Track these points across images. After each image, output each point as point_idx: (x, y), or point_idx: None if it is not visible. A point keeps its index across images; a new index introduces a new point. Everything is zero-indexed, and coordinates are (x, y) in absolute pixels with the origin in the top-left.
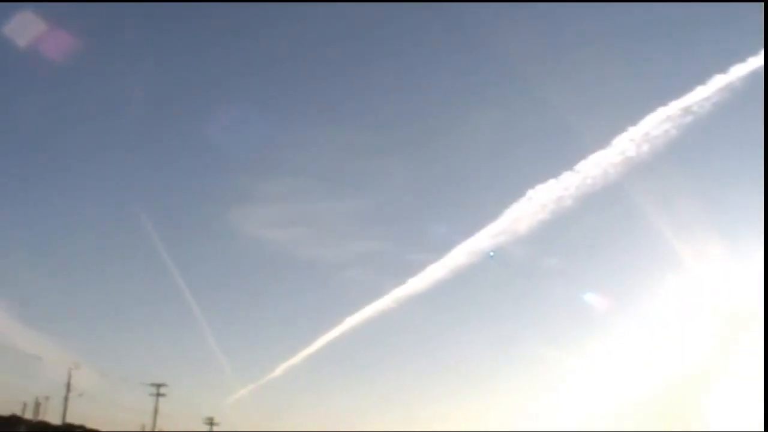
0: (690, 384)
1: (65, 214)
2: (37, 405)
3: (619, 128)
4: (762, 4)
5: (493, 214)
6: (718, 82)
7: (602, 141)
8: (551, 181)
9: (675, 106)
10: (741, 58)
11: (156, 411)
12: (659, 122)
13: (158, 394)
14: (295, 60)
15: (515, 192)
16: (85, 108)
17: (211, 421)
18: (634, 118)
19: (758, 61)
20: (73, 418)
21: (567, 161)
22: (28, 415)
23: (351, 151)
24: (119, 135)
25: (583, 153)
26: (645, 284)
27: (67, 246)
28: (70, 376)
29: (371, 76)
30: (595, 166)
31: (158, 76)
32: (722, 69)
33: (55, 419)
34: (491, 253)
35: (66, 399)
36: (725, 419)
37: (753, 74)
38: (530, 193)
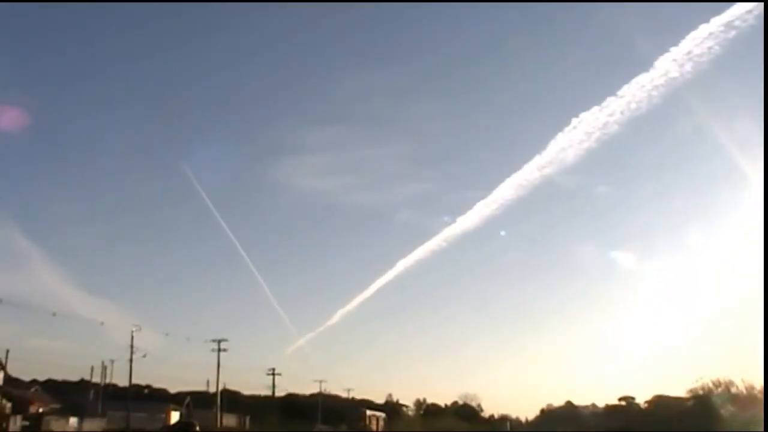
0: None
1: (118, 183)
2: (104, 369)
3: (661, 49)
4: (762, 4)
5: (539, 146)
6: None
7: (645, 63)
8: (595, 108)
9: (716, 23)
10: None
11: (218, 366)
12: (702, 40)
13: (219, 350)
14: (332, 8)
15: (559, 122)
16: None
17: (272, 372)
18: (675, 38)
19: None
20: (138, 379)
21: (609, 86)
22: (96, 379)
23: (394, 95)
24: (161, 100)
25: (625, 77)
26: (705, 205)
27: (121, 214)
28: (132, 339)
29: (408, 20)
30: (639, 90)
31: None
32: None
33: (121, 381)
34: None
35: (130, 361)
36: None
37: None
38: (575, 121)
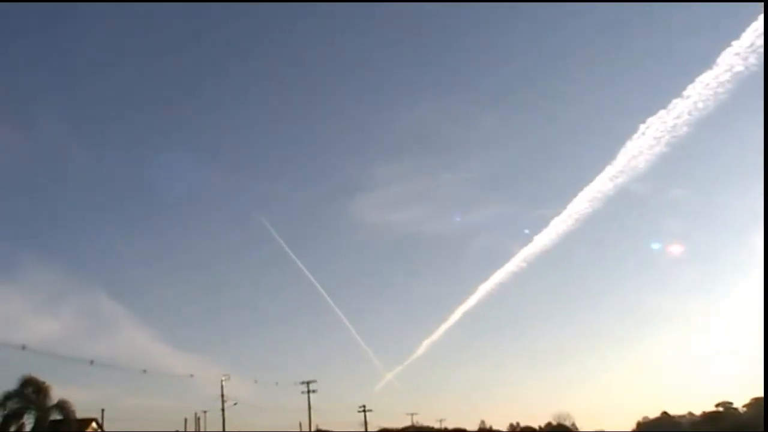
0: None
1: (197, 238)
2: (197, 420)
3: (722, 44)
4: (762, 4)
5: (609, 156)
6: None
7: (707, 60)
8: (661, 112)
9: None
10: None
11: (309, 407)
12: (763, 30)
13: (309, 391)
14: (388, 39)
15: (627, 129)
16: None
17: (363, 409)
18: (736, 32)
19: None
20: (231, 427)
21: (673, 88)
22: (190, 428)
23: (458, 119)
24: (231, 150)
25: (689, 76)
26: None
27: (202, 268)
28: (222, 388)
29: (466, 45)
30: (705, 88)
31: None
32: None
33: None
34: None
35: (222, 410)
36: None
37: None
38: (642, 127)
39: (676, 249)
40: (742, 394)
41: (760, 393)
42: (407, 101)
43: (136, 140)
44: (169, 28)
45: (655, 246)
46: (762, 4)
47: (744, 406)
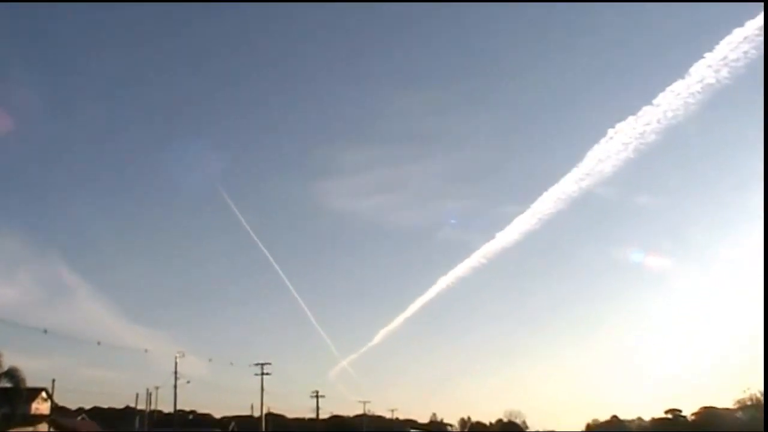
0: None
1: (159, 214)
2: (149, 396)
3: (695, 56)
4: (762, 4)
5: (576, 158)
6: None
7: (680, 70)
8: (630, 118)
9: (752, 26)
10: None
11: (262, 390)
12: (737, 44)
13: (263, 374)
14: (365, 25)
15: (596, 133)
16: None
17: (316, 394)
18: (710, 45)
19: None
20: (183, 405)
21: (645, 95)
22: (141, 406)
23: (432, 112)
24: (196, 120)
25: (660, 85)
26: (751, 210)
27: (162, 243)
28: (176, 365)
29: (445, 39)
30: (675, 97)
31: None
32: None
33: (167, 408)
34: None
35: (174, 387)
36: None
37: None
38: (611, 132)
39: (632, 258)
40: (692, 403)
41: (710, 402)
42: (381, 91)
43: (104, 113)
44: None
45: (637, 257)
46: (762, 4)
47: (693, 414)
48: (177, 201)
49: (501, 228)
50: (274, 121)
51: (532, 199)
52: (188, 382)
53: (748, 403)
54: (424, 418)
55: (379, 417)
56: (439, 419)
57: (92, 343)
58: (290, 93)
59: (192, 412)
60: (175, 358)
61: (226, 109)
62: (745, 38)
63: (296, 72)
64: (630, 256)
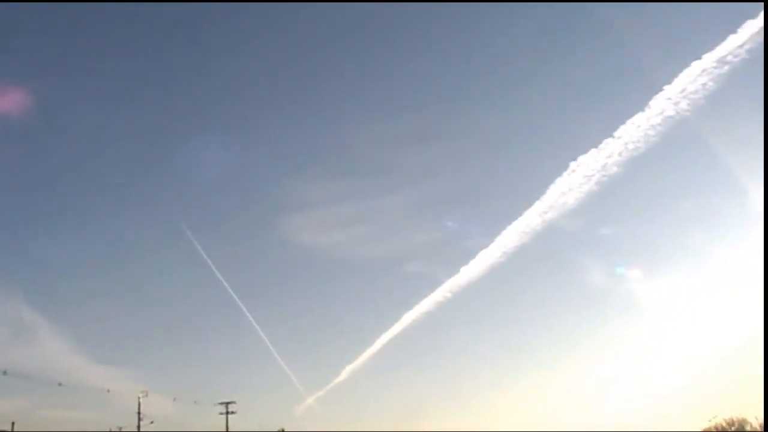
0: None
1: (121, 253)
2: None
3: (654, 89)
4: (762, 4)
5: (539, 191)
6: (750, 28)
7: (639, 103)
8: (592, 151)
9: (709, 59)
10: None
11: (227, 428)
12: (695, 77)
13: (228, 412)
14: (325, 55)
15: (558, 166)
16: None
17: None
18: (668, 77)
19: None
20: None
21: (606, 128)
22: None
23: (395, 148)
24: (159, 163)
25: (621, 118)
26: (709, 239)
27: (124, 283)
28: (139, 405)
29: (404, 68)
30: (636, 130)
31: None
32: (752, 14)
33: None
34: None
35: (138, 428)
36: None
37: None
38: (573, 165)
39: (595, 284)
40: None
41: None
42: (347, 123)
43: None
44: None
45: (579, 283)
46: (762, 4)
47: None
48: (139, 237)
49: (465, 262)
50: (236, 155)
51: (496, 233)
52: (152, 422)
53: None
54: None
55: None
56: None
57: (53, 384)
58: (251, 124)
59: None
60: (139, 397)
61: (182, 147)
62: (704, 71)
63: (256, 103)
64: (593, 284)
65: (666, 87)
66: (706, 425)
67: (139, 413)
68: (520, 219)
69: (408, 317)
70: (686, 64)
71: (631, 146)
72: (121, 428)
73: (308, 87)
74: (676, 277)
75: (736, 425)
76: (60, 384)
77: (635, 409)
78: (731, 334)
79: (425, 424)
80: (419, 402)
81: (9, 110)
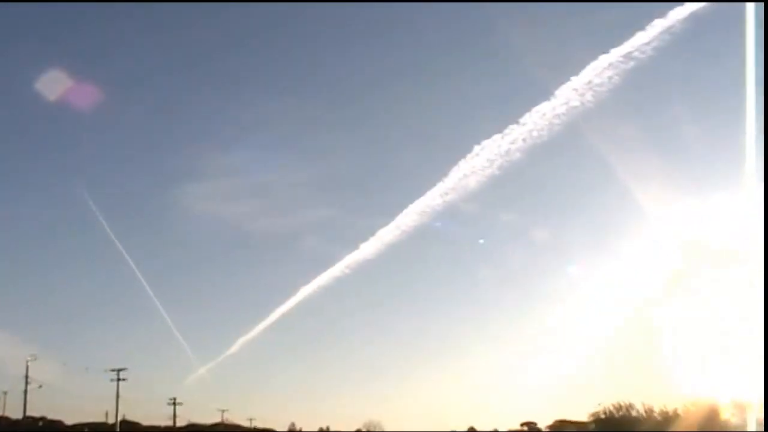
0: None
1: (10, 211)
2: None
3: (562, 79)
4: (762, 4)
5: (441, 173)
6: (658, 26)
7: (546, 92)
8: (496, 136)
9: (616, 53)
10: (679, 1)
11: (117, 396)
12: (602, 70)
13: (119, 379)
14: (246, 33)
15: (462, 149)
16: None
17: (173, 402)
18: (576, 68)
19: (696, 5)
20: (34, 411)
21: (511, 115)
22: None
23: (299, 123)
24: (56, 121)
25: (527, 105)
26: (606, 232)
27: (14, 242)
28: (27, 369)
29: (316, 51)
30: (541, 118)
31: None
32: (661, 14)
33: (15, 414)
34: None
35: (25, 392)
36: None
37: (692, 16)
38: (477, 149)
39: (490, 273)
40: (547, 416)
41: (565, 415)
42: (249, 94)
43: None
44: None
45: (476, 267)
46: (762, 4)
47: (547, 427)
48: (32, 199)
49: (365, 239)
50: (138, 124)
51: (397, 212)
52: (40, 386)
53: (602, 416)
54: (282, 427)
55: (237, 426)
56: (297, 428)
57: None
58: (154, 93)
59: (42, 418)
60: (26, 361)
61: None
62: (610, 64)
63: (160, 72)
64: (488, 272)
65: (573, 78)
66: (594, 409)
67: (26, 377)
68: (421, 199)
69: (305, 291)
70: (594, 57)
71: (535, 134)
72: (5, 393)
73: (210, 56)
74: (573, 268)
75: (624, 410)
76: None
77: (528, 393)
78: (617, 325)
79: (318, 399)
80: (313, 377)
81: None
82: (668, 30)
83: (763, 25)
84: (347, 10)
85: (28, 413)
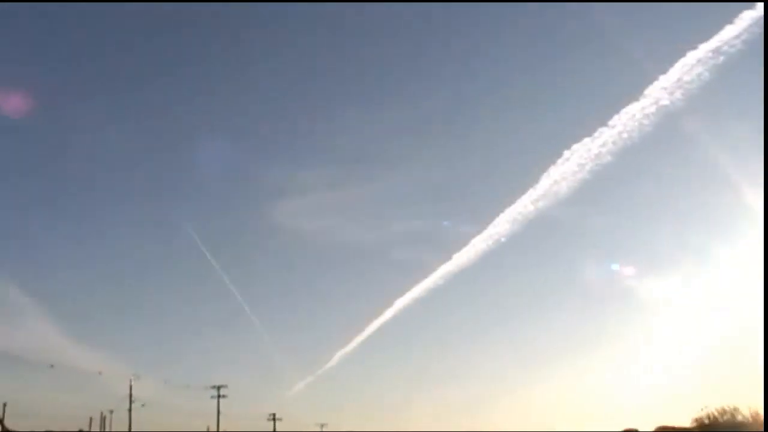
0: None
1: (113, 234)
2: (103, 419)
3: (650, 78)
4: (762, 4)
5: (532, 180)
6: (747, 18)
7: (634, 92)
8: (586, 140)
9: (704, 49)
10: None
11: (218, 412)
12: (690, 67)
13: (219, 396)
14: (319, 43)
15: (551, 154)
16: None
17: (273, 417)
18: (664, 67)
19: None
20: (138, 428)
21: (600, 117)
22: (95, 429)
23: (387, 134)
24: (144, 142)
25: (615, 107)
26: (703, 232)
27: (117, 264)
28: (131, 388)
29: (392, 58)
30: (630, 119)
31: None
32: (750, 5)
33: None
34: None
35: (129, 410)
36: None
37: None
38: (566, 153)
39: (588, 277)
40: (649, 421)
41: (667, 421)
42: (338, 109)
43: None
44: None
45: (572, 272)
46: (762, 4)
47: None
48: (132, 224)
49: (457, 249)
50: (227, 139)
51: (489, 221)
52: (143, 405)
53: (706, 421)
54: None
55: None
56: None
57: (45, 366)
58: (244, 110)
59: None
60: (130, 380)
61: (172, 131)
62: (699, 60)
63: (248, 89)
64: (585, 277)
65: (661, 77)
66: (698, 414)
67: (130, 396)
68: (513, 206)
69: (399, 304)
70: (682, 54)
71: (625, 135)
72: (111, 411)
73: (296, 73)
74: (672, 275)
75: (728, 414)
76: (52, 366)
77: (628, 399)
78: (724, 328)
79: (417, 410)
80: (411, 387)
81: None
82: (757, 22)
83: None
84: (434, 10)
85: (133, 430)
